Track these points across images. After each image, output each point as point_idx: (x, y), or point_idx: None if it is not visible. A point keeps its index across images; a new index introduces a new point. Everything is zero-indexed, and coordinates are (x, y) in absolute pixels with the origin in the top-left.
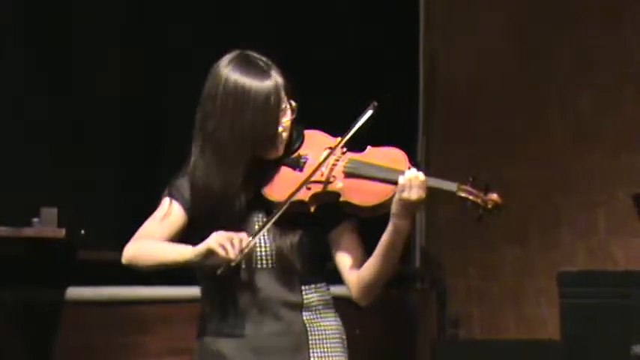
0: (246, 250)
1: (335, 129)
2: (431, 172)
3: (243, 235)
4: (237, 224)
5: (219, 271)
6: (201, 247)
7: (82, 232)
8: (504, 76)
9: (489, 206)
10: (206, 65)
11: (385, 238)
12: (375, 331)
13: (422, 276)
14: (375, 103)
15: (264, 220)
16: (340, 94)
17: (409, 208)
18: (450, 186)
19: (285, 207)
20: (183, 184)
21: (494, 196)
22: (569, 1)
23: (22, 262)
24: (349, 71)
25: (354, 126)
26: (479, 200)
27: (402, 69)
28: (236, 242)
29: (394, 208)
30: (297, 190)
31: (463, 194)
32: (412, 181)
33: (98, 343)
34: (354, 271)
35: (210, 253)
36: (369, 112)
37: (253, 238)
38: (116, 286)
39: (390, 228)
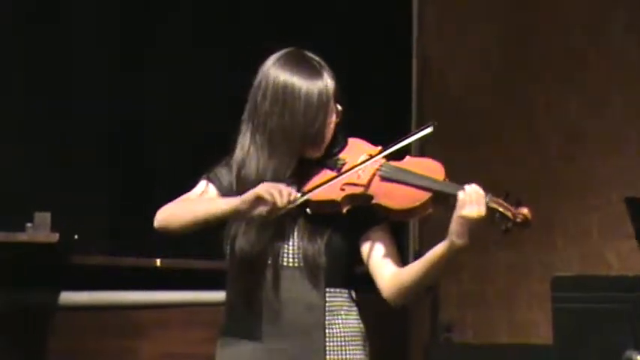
0: (293, 204)
1: None
2: None
3: (291, 188)
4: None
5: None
6: (250, 194)
7: (76, 236)
8: (496, 80)
9: (518, 220)
10: (205, 67)
11: (439, 250)
12: (368, 334)
13: None
14: (435, 123)
15: (301, 219)
16: None
17: (468, 225)
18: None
19: (320, 187)
20: (222, 172)
21: (524, 210)
22: (558, 5)
23: (15, 267)
24: (341, 73)
25: (402, 140)
26: (509, 213)
27: (394, 72)
28: (285, 192)
29: (453, 226)
30: (326, 182)
31: (494, 205)
32: (473, 196)
33: (92, 348)
34: (390, 269)
35: (258, 199)
36: (426, 131)
37: (302, 195)
38: (110, 291)
39: (446, 244)
